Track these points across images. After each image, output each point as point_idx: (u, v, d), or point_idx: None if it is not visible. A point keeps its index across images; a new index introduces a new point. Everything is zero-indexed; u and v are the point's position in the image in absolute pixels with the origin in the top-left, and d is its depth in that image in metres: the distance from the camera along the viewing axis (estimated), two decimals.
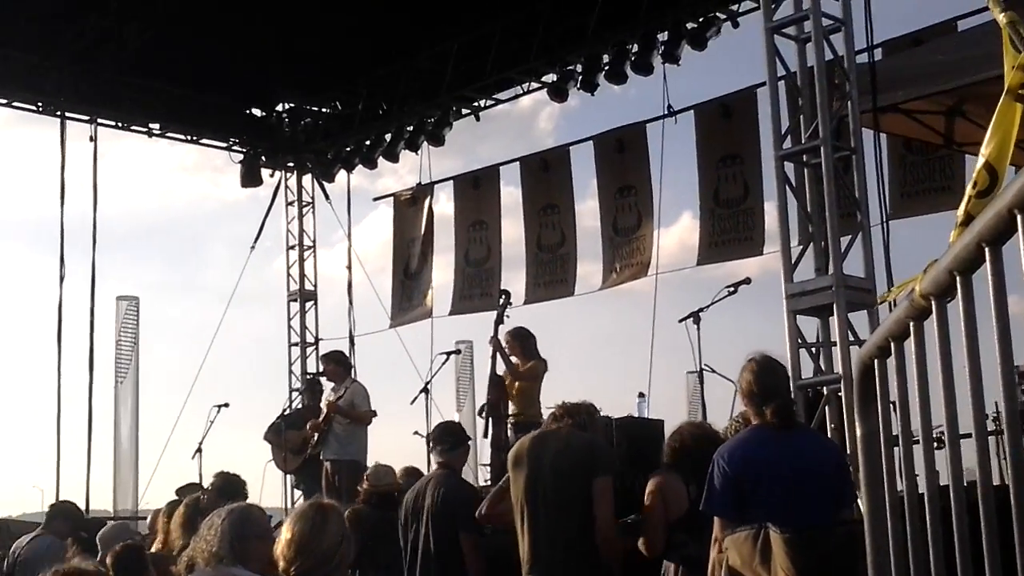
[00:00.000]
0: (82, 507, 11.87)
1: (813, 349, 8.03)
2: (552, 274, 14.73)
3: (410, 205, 16.66)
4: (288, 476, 13.51)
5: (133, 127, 16.32)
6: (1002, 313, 2.11)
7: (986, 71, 6.79)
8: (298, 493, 13.37)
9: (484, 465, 11.05)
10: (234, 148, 17.53)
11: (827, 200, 7.88)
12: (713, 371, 9.75)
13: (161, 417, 16.45)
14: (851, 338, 7.68)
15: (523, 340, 10.98)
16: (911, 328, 2.54)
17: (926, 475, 2.60)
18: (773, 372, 5.36)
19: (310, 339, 17.66)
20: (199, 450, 12.03)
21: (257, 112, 17.62)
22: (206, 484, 9.54)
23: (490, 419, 10.82)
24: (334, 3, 13.73)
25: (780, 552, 4.65)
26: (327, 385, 12.52)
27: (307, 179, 17.97)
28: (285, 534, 4.70)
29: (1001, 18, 5.06)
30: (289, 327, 17.75)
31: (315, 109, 17.58)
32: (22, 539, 9.40)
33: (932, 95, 8.39)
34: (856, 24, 8.48)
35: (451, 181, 16.38)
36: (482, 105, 15.96)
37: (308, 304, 17.84)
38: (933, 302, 2.39)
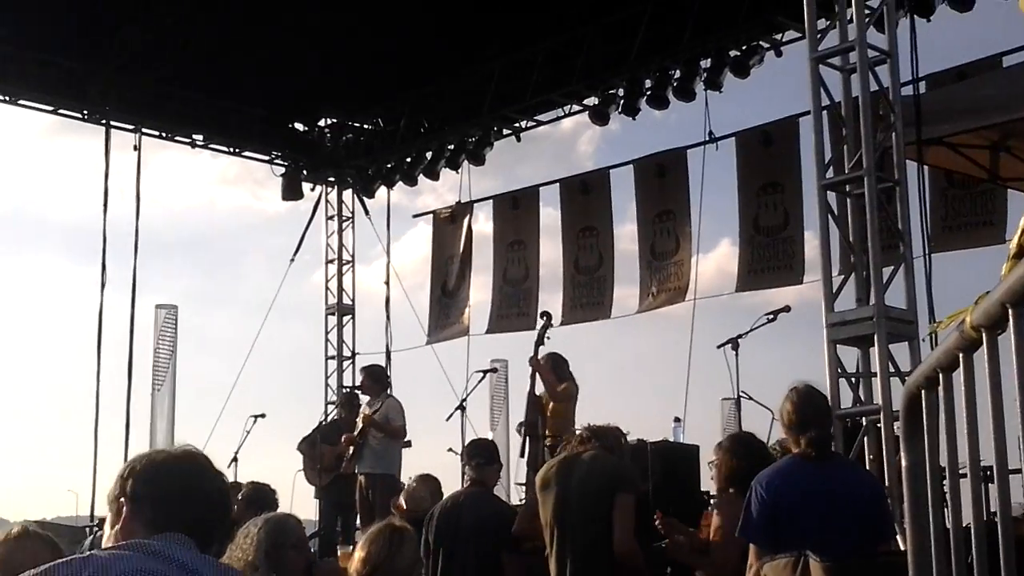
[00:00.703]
0: None
1: (853, 379, 8.00)
2: (589, 296, 14.74)
3: (449, 223, 16.71)
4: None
5: (177, 137, 16.48)
6: None
7: None
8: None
9: (520, 484, 11.05)
10: (276, 161, 17.66)
11: (870, 230, 7.87)
12: (750, 398, 9.75)
13: (197, 426, 16.54)
14: (891, 369, 7.65)
15: (556, 364, 10.99)
16: (960, 359, 2.54)
17: (973, 509, 2.59)
18: (813, 402, 5.36)
19: (347, 353, 17.72)
20: (235, 459, 12.09)
21: (300, 126, 17.74)
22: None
23: (527, 438, 10.84)
24: (379, 22, 13.81)
25: None
26: (363, 399, 12.56)
27: (347, 194, 18.07)
28: (359, 553, 4.75)
29: None
30: (326, 340, 17.84)
31: (357, 125, 17.67)
32: None
33: (977, 129, 8.37)
34: (900, 57, 8.48)
35: (490, 200, 16.42)
36: (523, 126, 16.01)
37: (346, 318, 17.92)
38: (984, 334, 2.39)
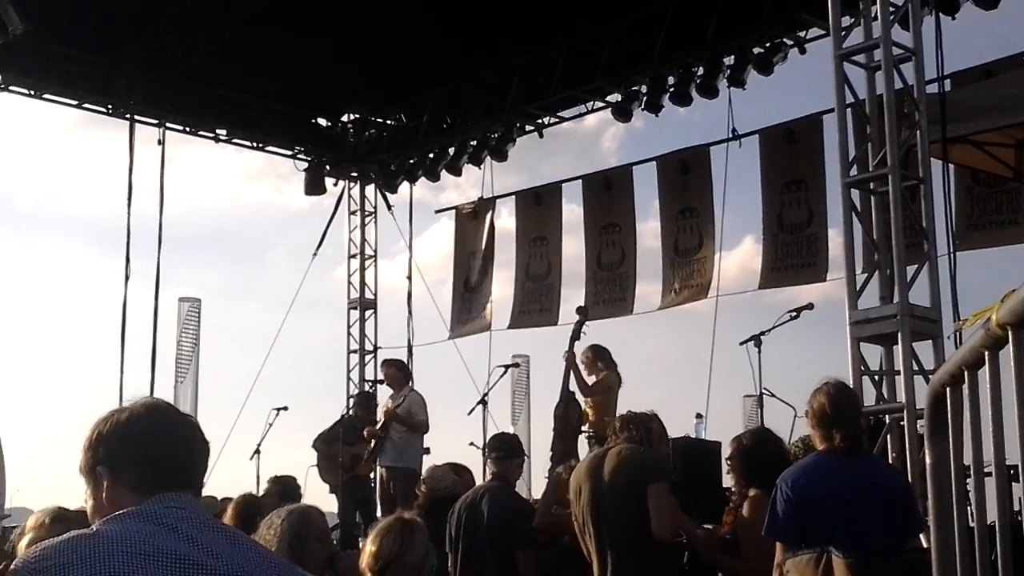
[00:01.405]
0: None
1: (876, 377, 7.98)
2: (611, 292, 14.74)
3: (472, 219, 16.74)
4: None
5: (200, 132, 16.58)
6: None
7: None
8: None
9: (546, 478, 11.13)
10: (299, 156, 17.73)
11: (894, 228, 7.85)
12: (772, 395, 9.73)
13: (219, 418, 16.59)
14: (915, 367, 7.63)
15: (598, 354, 11.11)
16: (986, 357, 2.54)
17: (998, 506, 2.59)
18: (847, 397, 5.34)
19: (369, 347, 17.82)
20: (257, 451, 12.16)
21: (323, 122, 17.81)
22: (263, 484, 9.62)
23: (555, 433, 10.92)
24: (401, 19, 13.83)
25: None
26: (384, 393, 12.61)
27: (370, 189, 18.14)
28: (370, 547, 4.74)
29: None
30: (348, 334, 17.95)
31: (380, 121, 17.73)
32: None
33: (1003, 127, 8.34)
34: (925, 54, 8.45)
35: (513, 196, 16.46)
36: (546, 122, 16.03)
37: (368, 312, 18.00)
38: (1010, 332, 2.38)
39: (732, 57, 13.31)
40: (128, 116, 15.24)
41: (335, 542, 9.51)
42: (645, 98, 14.11)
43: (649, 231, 14.92)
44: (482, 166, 16.26)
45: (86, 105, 15.47)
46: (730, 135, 13.57)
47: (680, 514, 6.46)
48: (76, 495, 2.74)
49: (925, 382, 7.27)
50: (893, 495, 5.18)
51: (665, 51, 13.55)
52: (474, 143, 16.14)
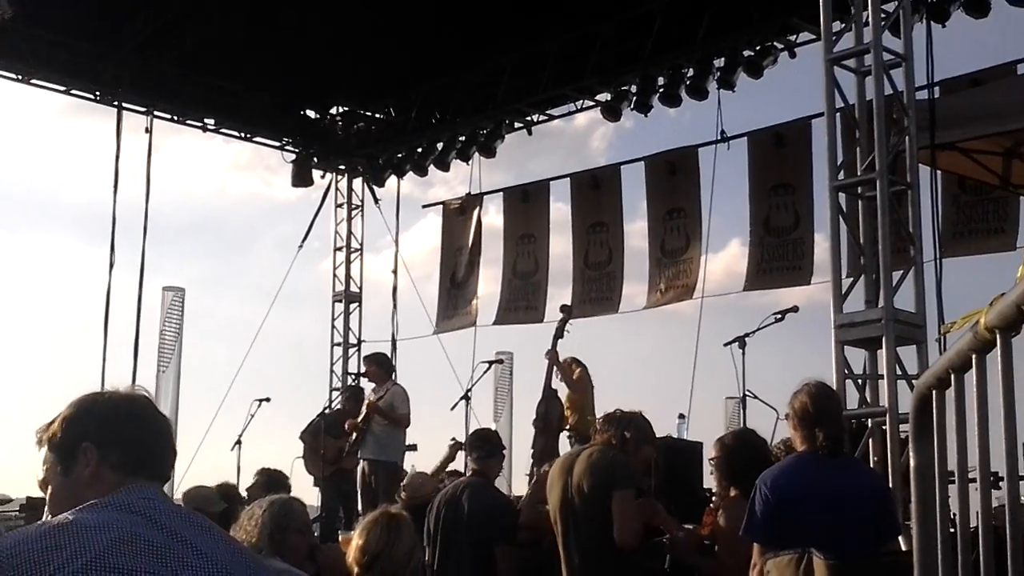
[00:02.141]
0: None
1: (859, 381, 8.00)
2: (598, 291, 14.76)
3: (459, 214, 16.73)
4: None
5: (188, 121, 16.51)
6: None
7: None
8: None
9: (527, 475, 11.14)
10: (287, 148, 17.69)
11: (880, 233, 7.85)
12: (755, 397, 9.75)
13: (201, 409, 16.53)
14: (899, 372, 7.65)
15: (574, 359, 11.23)
16: (973, 360, 2.55)
17: (981, 510, 2.60)
18: (829, 397, 5.34)
19: (353, 340, 17.83)
20: (239, 442, 12.12)
21: (311, 114, 17.77)
22: (245, 476, 9.59)
23: (536, 431, 10.94)
24: (393, 13, 13.81)
25: None
26: (367, 387, 12.60)
27: (357, 183, 18.13)
28: (357, 542, 4.74)
29: None
30: (333, 327, 17.95)
31: (369, 114, 17.71)
32: None
33: (991, 135, 8.37)
34: (915, 61, 8.46)
35: (500, 193, 16.47)
36: (535, 120, 16.04)
37: (352, 306, 18.00)
38: (998, 335, 2.39)
39: (722, 59, 13.32)
40: (116, 103, 15.17)
41: (316, 534, 9.50)
42: (635, 98, 14.14)
43: (636, 231, 14.96)
44: (470, 162, 16.25)
45: (74, 91, 15.39)
46: (719, 137, 13.60)
47: (662, 514, 6.47)
48: None
49: (909, 387, 7.29)
50: (871, 497, 5.18)
51: (655, 52, 13.56)
52: (463, 139, 16.13)
